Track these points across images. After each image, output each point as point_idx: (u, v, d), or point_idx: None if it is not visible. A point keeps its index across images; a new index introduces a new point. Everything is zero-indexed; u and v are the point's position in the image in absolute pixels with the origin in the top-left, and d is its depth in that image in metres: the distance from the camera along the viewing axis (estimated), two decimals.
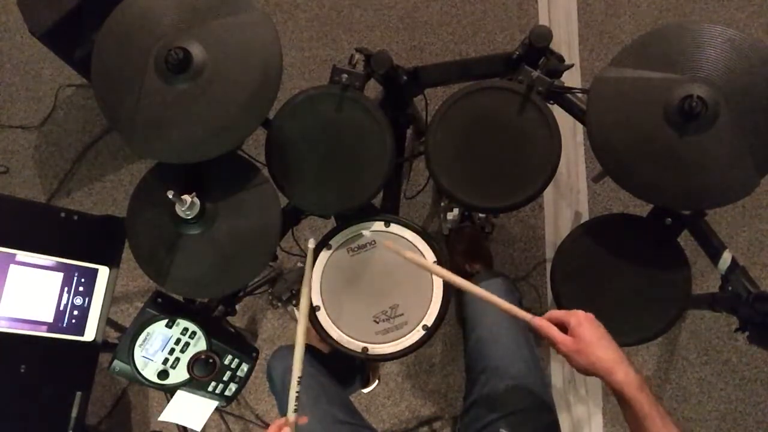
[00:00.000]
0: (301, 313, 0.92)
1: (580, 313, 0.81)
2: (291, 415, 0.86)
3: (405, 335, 0.99)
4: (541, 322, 0.82)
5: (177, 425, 1.03)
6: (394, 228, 1.02)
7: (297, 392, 0.87)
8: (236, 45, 0.90)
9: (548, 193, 1.72)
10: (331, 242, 1.03)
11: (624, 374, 0.75)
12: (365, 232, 1.02)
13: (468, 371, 1.13)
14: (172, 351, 0.97)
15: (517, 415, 1.00)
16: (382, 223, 1.02)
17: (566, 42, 1.80)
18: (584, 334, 0.78)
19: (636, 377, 0.75)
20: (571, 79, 1.73)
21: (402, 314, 0.99)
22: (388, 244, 0.95)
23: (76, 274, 1.06)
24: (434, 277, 0.99)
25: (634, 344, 1.02)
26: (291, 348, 1.14)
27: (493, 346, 1.06)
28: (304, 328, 0.90)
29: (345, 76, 1.01)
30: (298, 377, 0.87)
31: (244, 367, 1.03)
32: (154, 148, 0.92)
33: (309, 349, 1.15)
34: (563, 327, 0.81)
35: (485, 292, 0.86)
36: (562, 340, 0.79)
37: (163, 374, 0.97)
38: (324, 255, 1.03)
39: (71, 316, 1.06)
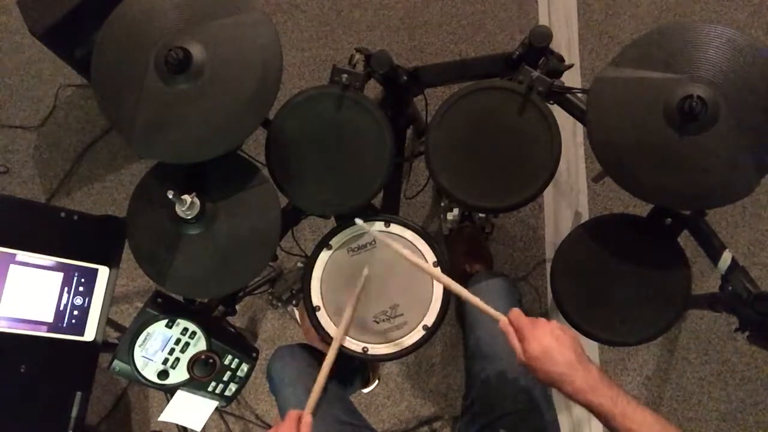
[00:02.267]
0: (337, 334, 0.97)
1: (531, 325, 0.81)
2: (308, 413, 0.87)
3: (405, 335, 0.99)
4: (506, 328, 0.83)
5: (177, 425, 1.03)
6: (394, 228, 1.02)
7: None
8: (236, 45, 0.90)
9: (548, 193, 1.72)
10: (331, 242, 1.03)
11: (571, 386, 0.76)
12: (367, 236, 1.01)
13: (467, 371, 1.13)
14: (172, 351, 0.97)
15: (517, 415, 1.00)
16: (382, 223, 1.02)
17: (566, 42, 1.79)
18: (530, 349, 0.78)
19: (586, 383, 0.75)
20: (571, 79, 1.73)
21: (402, 314, 0.99)
22: (388, 242, 0.96)
23: (76, 274, 1.06)
24: None
25: (634, 344, 1.02)
26: (291, 348, 1.14)
27: (492, 347, 1.06)
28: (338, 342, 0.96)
29: (345, 76, 1.01)
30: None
31: (244, 367, 1.03)
32: (154, 148, 0.92)
33: (310, 349, 1.15)
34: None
35: (470, 295, 0.88)
36: (518, 353, 0.81)
37: (163, 374, 0.97)
38: (324, 255, 1.03)
39: (71, 316, 1.06)
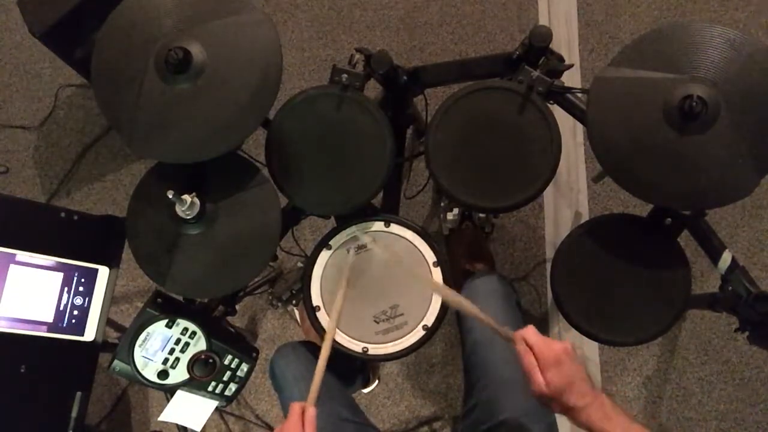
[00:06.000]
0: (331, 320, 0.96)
1: (546, 348, 0.78)
2: (311, 405, 0.86)
3: (405, 335, 0.99)
4: (523, 352, 0.79)
5: (177, 425, 1.03)
6: (394, 228, 1.02)
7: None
8: (236, 45, 0.90)
9: (548, 193, 1.72)
10: (331, 242, 1.03)
11: (585, 414, 0.76)
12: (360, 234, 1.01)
13: (466, 375, 1.12)
14: (172, 351, 0.97)
15: (517, 419, 1.00)
16: (382, 223, 1.02)
17: (566, 42, 1.79)
18: (555, 382, 0.76)
19: (601, 412, 0.75)
20: (571, 79, 1.73)
21: (402, 314, 0.99)
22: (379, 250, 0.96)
23: (76, 274, 1.06)
24: (434, 276, 0.99)
25: (634, 344, 1.02)
26: (294, 346, 1.14)
27: (490, 350, 1.06)
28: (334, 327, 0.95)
29: (345, 76, 1.01)
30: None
31: (244, 367, 1.03)
32: (154, 148, 0.92)
33: (313, 347, 1.15)
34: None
35: (475, 309, 0.86)
36: (538, 384, 0.78)
37: (163, 374, 0.97)
38: (324, 255, 1.03)
39: (71, 316, 1.06)
